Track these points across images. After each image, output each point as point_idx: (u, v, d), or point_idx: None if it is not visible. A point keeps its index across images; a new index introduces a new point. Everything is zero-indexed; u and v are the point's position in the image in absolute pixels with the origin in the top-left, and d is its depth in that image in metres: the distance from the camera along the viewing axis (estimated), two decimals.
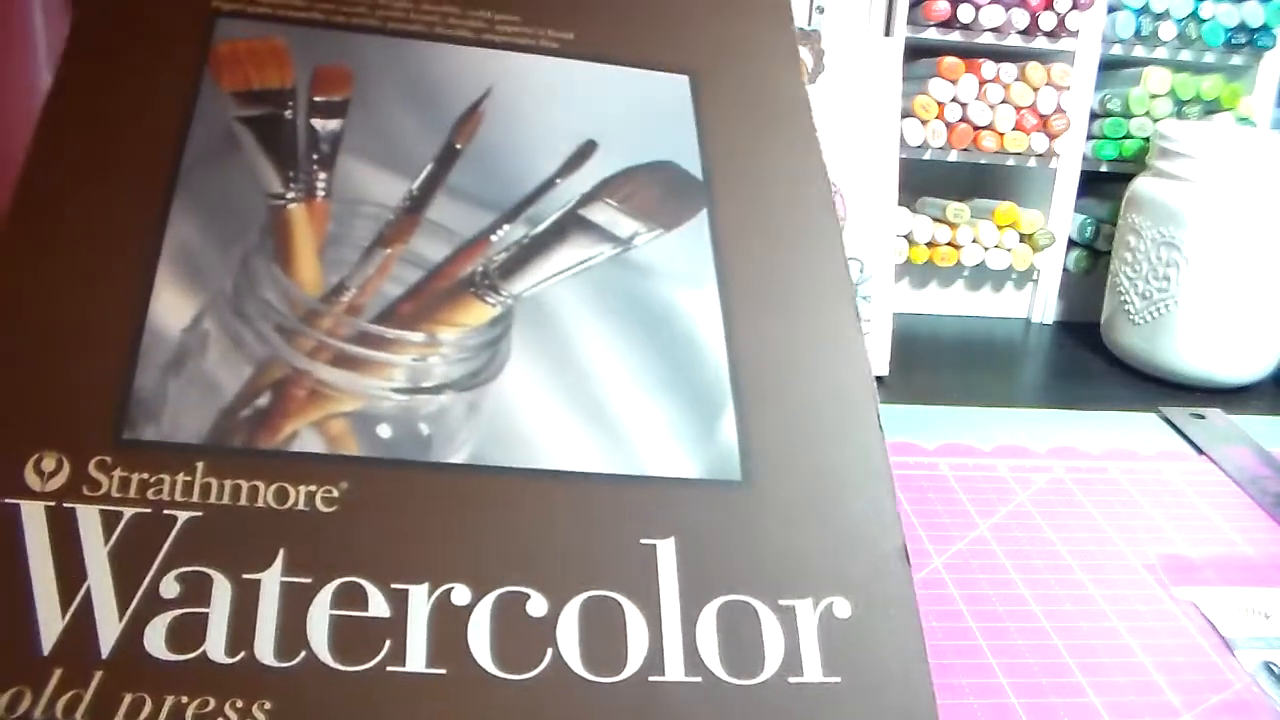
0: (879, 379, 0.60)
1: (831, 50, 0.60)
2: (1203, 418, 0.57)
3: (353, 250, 0.29)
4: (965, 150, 0.68)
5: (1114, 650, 0.37)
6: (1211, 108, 0.69)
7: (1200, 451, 0.53)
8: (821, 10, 0.67)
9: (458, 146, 0.31)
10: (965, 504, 0.47)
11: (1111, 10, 0.67)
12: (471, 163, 0.31)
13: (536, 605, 0.25)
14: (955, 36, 0.67)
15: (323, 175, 0.30)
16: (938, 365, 0.65)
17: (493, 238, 0.30)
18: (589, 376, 0.28)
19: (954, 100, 0.66)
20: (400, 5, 0.34)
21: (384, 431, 0.27)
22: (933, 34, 0.67)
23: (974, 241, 0.69)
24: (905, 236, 0.69)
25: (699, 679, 0.25)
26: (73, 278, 0.27)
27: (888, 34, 0.67)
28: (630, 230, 0.31)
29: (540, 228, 0.30)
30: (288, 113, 0.31)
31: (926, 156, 0.68)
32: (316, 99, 0.31)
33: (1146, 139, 0.68)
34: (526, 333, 0.29)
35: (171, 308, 0.27)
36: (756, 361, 0.29)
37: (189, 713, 0.22)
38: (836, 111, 0.60)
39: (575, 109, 0.33)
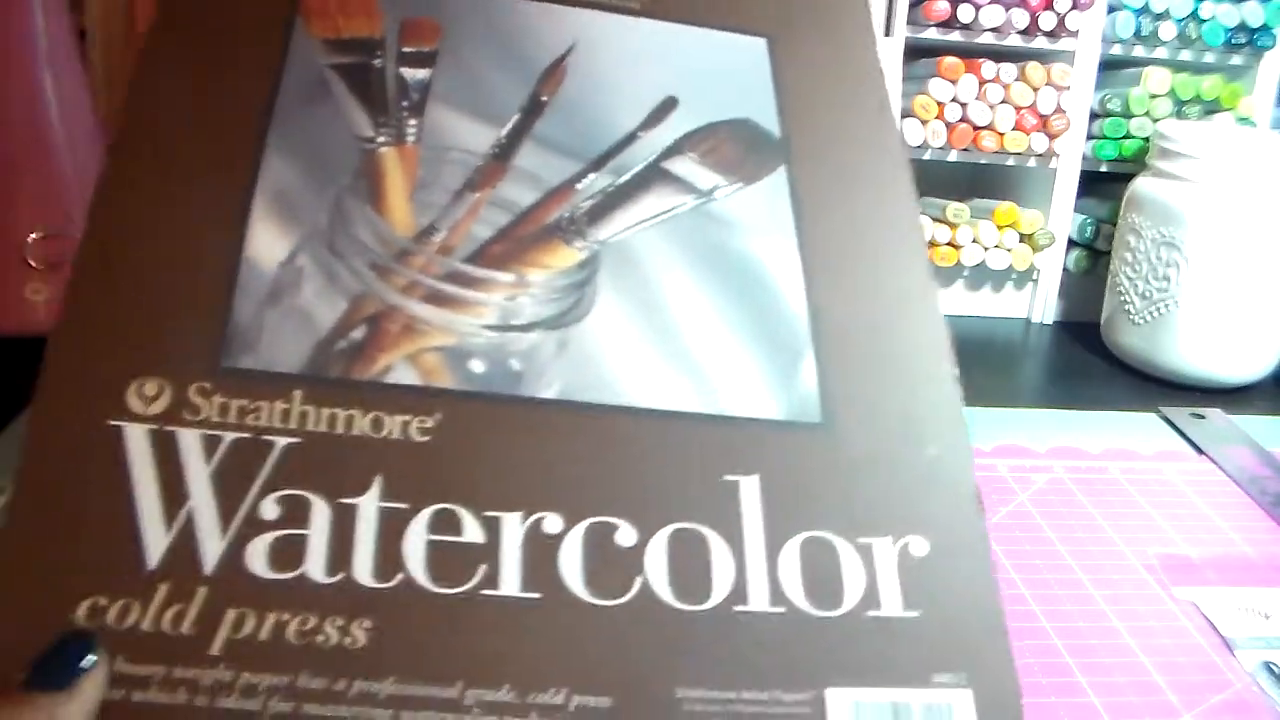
0: None
1: None
2: (1203, 418, 0.57)
3: (442, 194, 0.30)
4: (965, 150, 0.68)
5: (1114, 650, 0.37)
6: (1211, 108, 0.69)
7: (1200, 451, 0.53)
8: None
9: (543, 98, 0.32)
10: None
11: (1111, 10, 0.67)
12: (556, 114, 0.32)
13: (625, 535, 0.26)
14: (955, 36, 0.67)
15: (412, 121, 0.31)
16: None
17: (578, 185, 0.31)
18: (673, 320, 0.29)
19: (954, 100, 0.66)
20: None
21: (476, 366, 0.27)
22: (933, 34, 0.67)
23: (974, 241, 0.69)
24: None
25: (782, 609, 0.25)
26: (172, 211, 0.28)
27: (888, 34, 0.67)
28: (711, 183, 0.31)
29: (624, 177, 0.31)
30: (377, 61, 0.31)
31: (926, 156, 0.68)
32: (405, 49, 0.32)
33: (1146, 139, 0.69)
34: (613, 277, 0.29)
35: (267, 242, 0.28)
36: (835, 311, 0.30)
37: (291, 628, 0.23)
38: None
39: (656, 66, 0.34)
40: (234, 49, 0.30)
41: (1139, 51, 0.69)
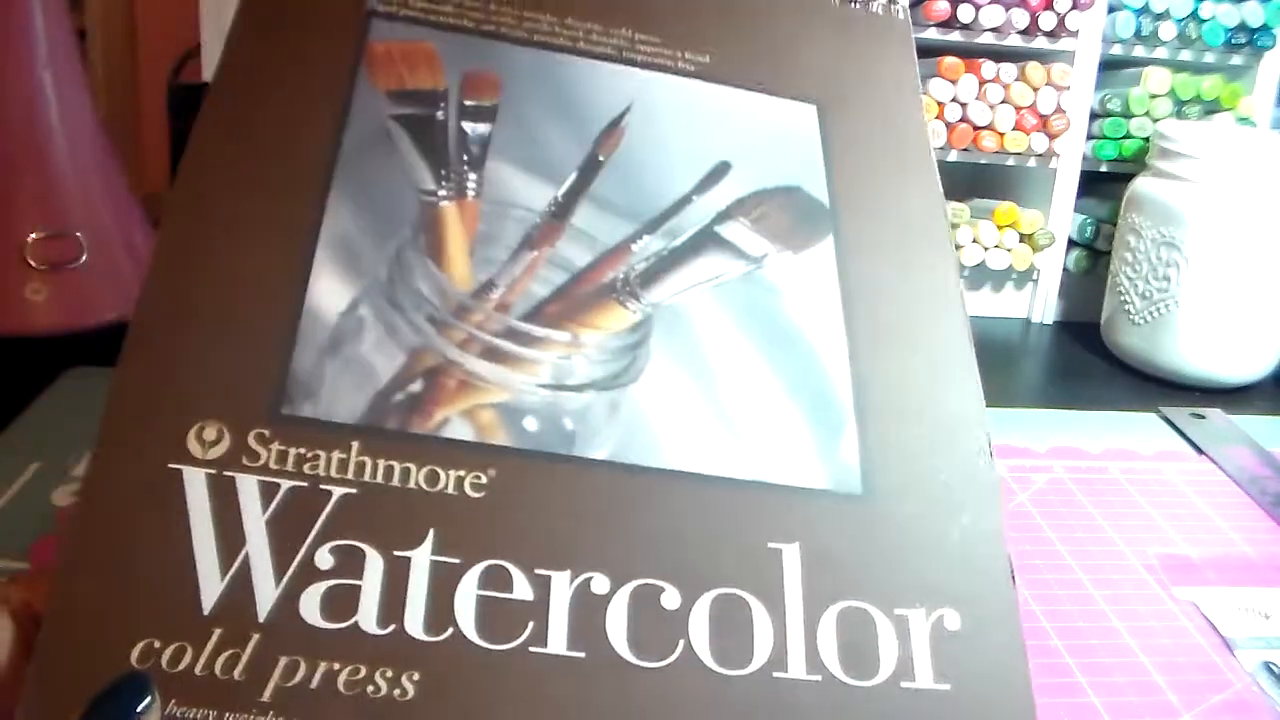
0: None
1: None
2: (1203, 418, 0.57)
3: (502, 250, 0.30)
4: (965, 150, 0.68)
5: (1114, 650, 0.37)
6: (1211, 108, 0.69)
7: (1200, 451, 0.53)
8: None
9: (600, 158, 0.32)
10: None
11: (1111, 10, 0.67)
12: (613, 174, 0.32)
13: (671, 598, 0.26)
14: (955, 36, 0.67)
15: (473, 176, 0.31)
16: None
17: (634, 247, 0.31)
18: (722, 386, 0.30)
19: (954, 100, 0.66)
20: (546, 19, 0.35)
21: (530, 424, 0.28)
22: (933, 34, 0.67)
23: (974, 241, 0.69)
24: None
25: (819, 677, 0.26)
26: (237, 257, 0.28)
27: None
28: (762, 250, 0.32)
29: (678, 241, 0.31)
30: (439, 114, 0.32)
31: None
32: (467, 102, 0.32)
33: (1146, 139, 0.69)
34: (664, 340, 0.30)
35: (329, 291, 0.28)
36: (876, 382, 0.31)
37: (341, 678, 0.23)
38: None
39: (710, 131, 0.34)
40: (299, 97, 0.31)
41: (1139, 51, 0.69)
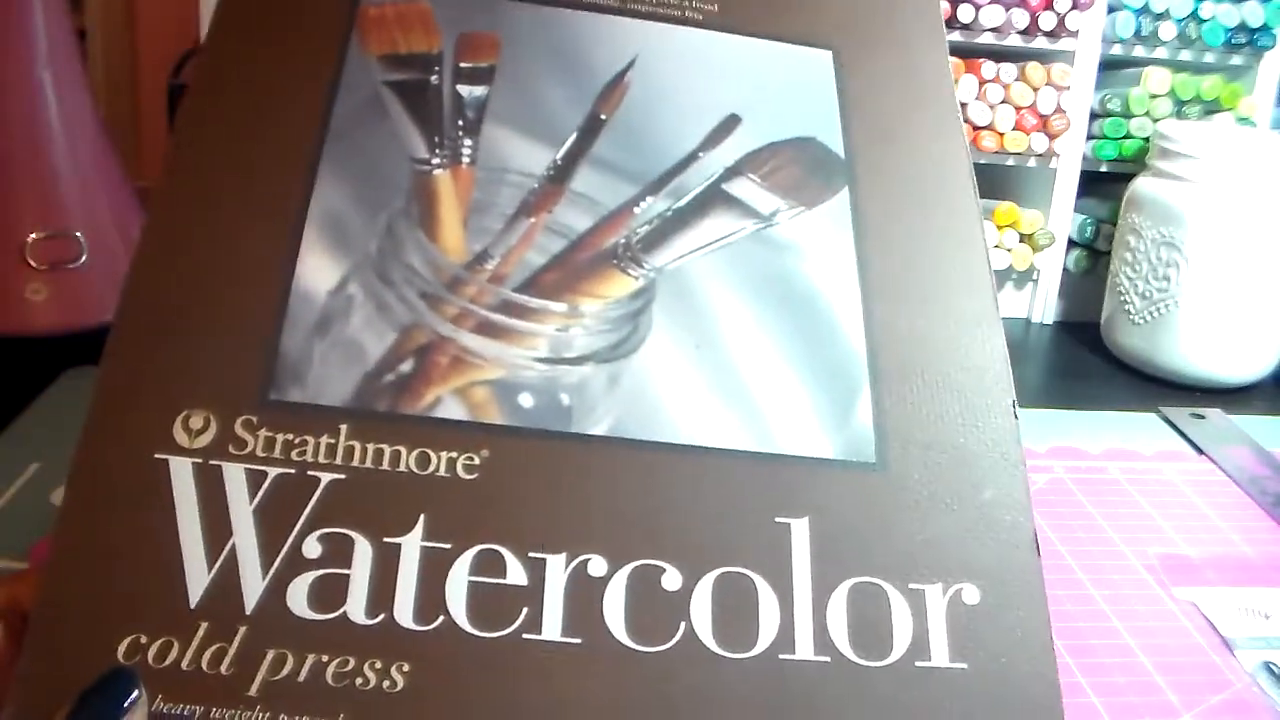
0: None
1: None
2: (1203, 418, 0.57)
3: (497, 218, 0.29)
4: None
5: (1114, 650, 0.37)
6: (1211, 108, 0.69)
7: (1200, 451, 0.53)
8: None
9: (602, 117, 0.31)
10: None
11: (1111, 10, 0.67)
12: (615, 133, 0.31)
13: (671, 579, 0.25)
14: (955, 36, 0.67)
15: (468, 142, 0.30)
16: None
17: (636, 210, 0.30)
18: (728, 353, 0.28)
19: None
20: None
21: (525, 401, 0.27)
22: None
23: None
24: None
25: (828, 658, 0.25)
26: (223, 241, 0.27)
27: None
28: (772, 207, 0.31)
29: (683, 201, 0.30)
30: (434, 78, 0.31)
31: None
32: (462, 65, 0.31)
33: (1146, 139, 0.68)
34: (668, 307, 0.29)
35: (317, 270, 0.27)
36: (894, 345, 0.29)
37: (329, 671, 0.23)
38: None
39: (718, 82, 0.33)
40: (287, 71, 0.30)
41: (1139, 51, 0.69)
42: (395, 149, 0.29)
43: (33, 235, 0.52)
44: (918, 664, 0.25)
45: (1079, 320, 0.72)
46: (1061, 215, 0.71)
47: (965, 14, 0.66)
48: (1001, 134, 0.67)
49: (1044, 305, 0.73)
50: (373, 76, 0.30)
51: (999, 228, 0.69)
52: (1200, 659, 0.37)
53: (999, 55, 0.67)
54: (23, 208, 0.53)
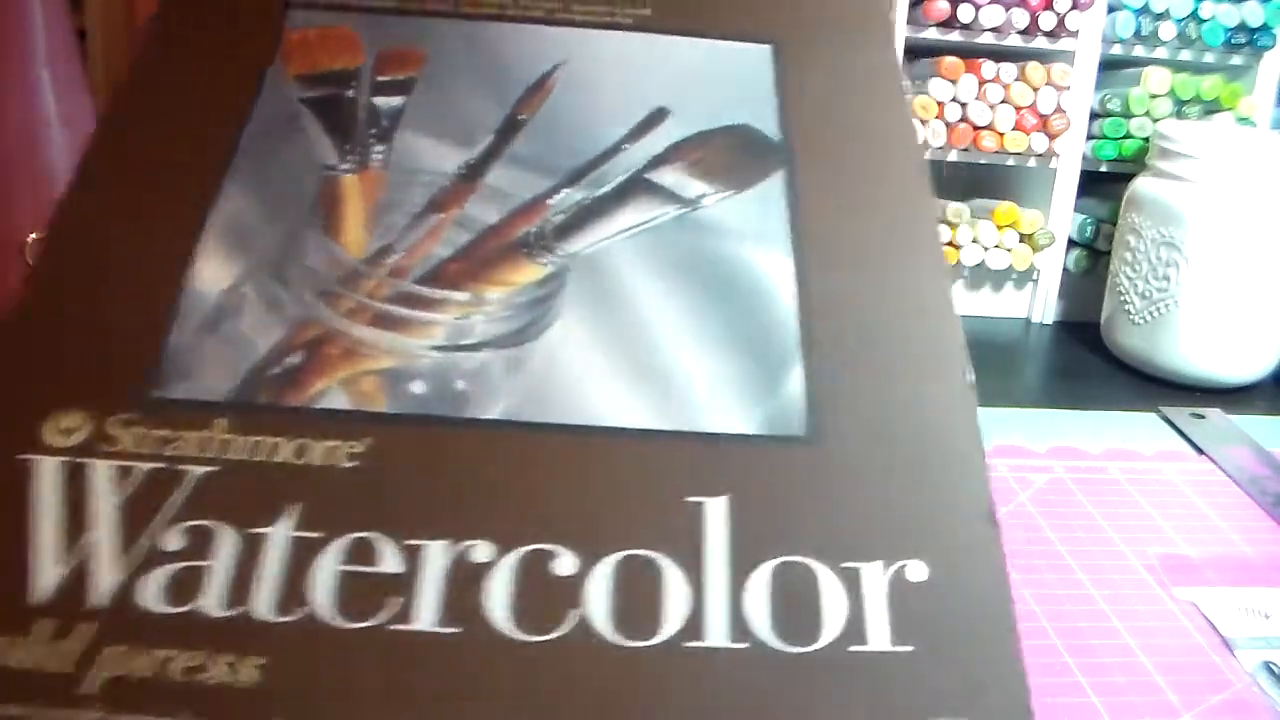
0: None
1: None
2: (1203, 418, 0.57)
3: (404, 216, 0.29)
4: (965, 150, 0.68)
5: (1114, 650, 0.37)
6: (1211, 108, 0.69)
7: (1200, 451, 0.53)
8: None
9: (521, 118, 0.31)
10: None
11: (1111, 10, 0.67)
12: (535, 132, 0.31)
13: (564, 564, 0.24)
14: (955, 36, 0.67)
15: (380, 148, 0.30)
16: None
17: (551, 201, 0.29)
18: (643, 331, 0.27)
19: (954, 100, 0.66)
20: None
21: (417, 388, 0.26)
22: (933, 34, 0.67)
23: (974, 241, 0.69)
24: None
25: (744, 645, 0.23)
26: (118, 247, 0.27)
27: None
28: (698, 191, 0.30)
29: (602, 190, 0.30)
30: (350, 92, 0.31)
31: (926, 156, 0.68)
32: (381, 78, 0.31)
33: (1146, 139, 0.68)
34: (580, 290, 0.28)
35: (213, 272, 0.27)
36: (832, 316, 0.28)
37: (175, 666, 0.22)
38: None
39: (648, 79, 0.32)
40: (209, 89, 0.30)
41: (1139, 51, 0.69)
42: (305, 160, 0.30)
43: (33, 235, 0.52)
44: (851, 649, 0.23)
45: (1079, 320, 0.72)
46: (1061, 215, 0.70)
47: (965, 14, 0.66)
48: (1001, 134, 0.67)
49: (1044, 305, 0.73)
50: (291, 95, 0.31)
51: (999, 228, 0.69)
52: (1200, 659, 0.37)
53: (999, 55, 0.67)
54: (22, 208, 0.53)
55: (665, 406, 0.26)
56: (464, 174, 0.30)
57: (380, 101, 0.31)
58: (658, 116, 0.31)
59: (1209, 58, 0.69)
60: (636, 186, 0.30)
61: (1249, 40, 0.68)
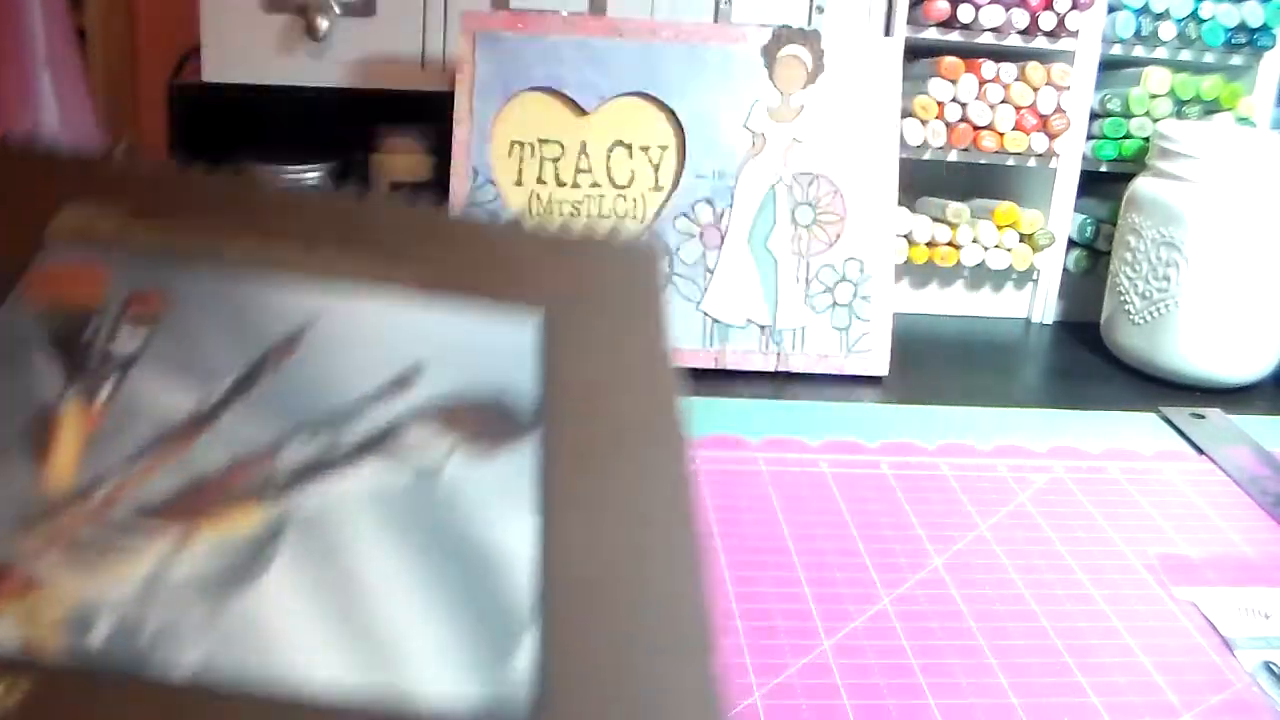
0: (878, 379, 0.60)
1: (831, 50, 0.60)
2: (1203, 418, 0.57)
3: (121, 453, 0.27)
4: (965, 150, 0.68)
5: (1114, 650, 0.37)
6: (1211, 108, 0.69)
7: (1200, 451, 0.53)
8: (821, 10, 0.67)
9: (266, 366, 0.30)
10: (965, 504, 0.47)
11: (1111, 10, 0.67)
12: (279, 382, 0.30)
13: None
14: (955, 36, 0.67)
15: (109, 385, 0.29)
16: (938, 365, 0.65)
17: (282, 450, 0.28)
18: (361, 592, 0.26)
19: (954, 100, 0.66)
20: (244, 243, 0.34)
21: (100, 631, 0.24)
22: (933, 34, 0.67)
23: (974, 241, 0.69)
24: (905, 236, 0.69)
25: None
26: None
27: (888, 34, 0.67)
28: (440, 451, 0.29)
29: (338, 443, 0.29)
30: (89, 330, 0.30)
31: (926, 156, 0.68)
32: (124, 316, 0.31)
33: (1146, 139, 0.68)
34: (299, 543, 0.27)
35: None
36: (571, 584, 0.27)
37: None
38: (837, 111, 0.60)
39: (407, 339, 0.32)
40: None
41: (1139, 51, 0.69)
42: (27, 389, 0.28)
43: None
44: None
45: (1079, 320, 0.72)
46: (1061, 215, 0.71)
47: (965, 14, 0.66)
48: (1001, 134, 0.67)
49: (1044, 305, 0.73)
50: (25, 325, 0.30)
51: (999, 228, 0.69)
52: (1200, 659, 0.37)
53: (999, 55, 0.67)
54: None
55: (371, 674, 0.25)
56: (195, 417, 0.29)
57: (120, 338, 0.30)
58: (410, 376, 0.31)
59: (1209, 58, 0.69)
60: (375, 443, 0.29)
61: (1249, 40, 0.68)
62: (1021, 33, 0.67)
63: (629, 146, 0.60)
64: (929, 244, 0.69)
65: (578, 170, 0.59)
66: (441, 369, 0.31)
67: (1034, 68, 0.67)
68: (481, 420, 0.30)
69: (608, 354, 0.33)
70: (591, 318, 0.34)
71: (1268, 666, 0.36)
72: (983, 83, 0.66)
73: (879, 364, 0.61)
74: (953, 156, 0.68)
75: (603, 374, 0.32)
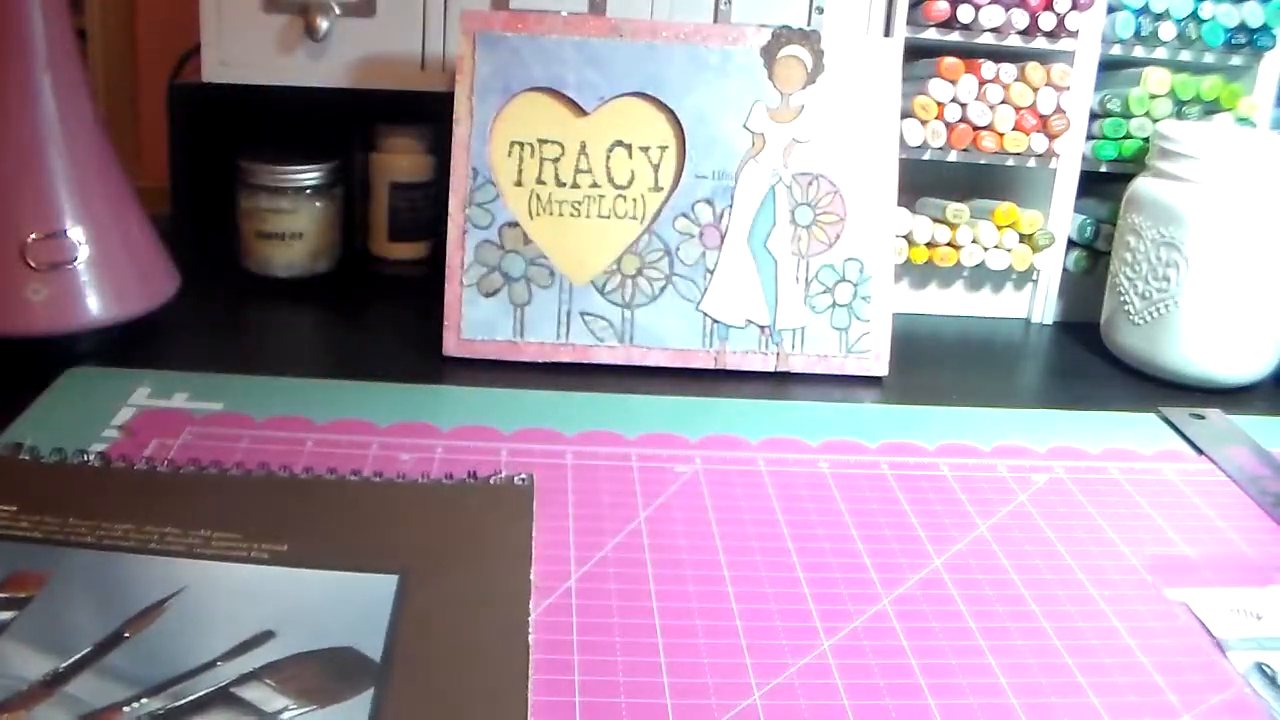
0: (878, 379, 0.60)
1: (831, 50, 0.60)
2: (1203, 418, 0.57)
3: None
4: (965, 150, 0.68)
5: (1113, 650, 0.37)
6: (1211, 108, 0.69)
7: (1200, 451, 0.53)
8: (821, 10, 0.67)
9: (126, 635, 0.32)
10: (965, 504, 0.47)
11: (1111, 10, 0.67)
12: (135, 648, 0.32)
13: None
14: (955, 36, 0.67)
15: None
16: (938, 365, 0.65)
17: (125, 709, 0.30)
18: None
19: (954, 100, 0.66)
20: (122, 526, 0.37)
21: None
22: (933, 34, 0.67)
23: (974, 242, 0.69)
24: (905, 236, 0.69)
25: None
26: None
27: (888, 34, 0.67)
28: (279, 706, 0.30)
29: (181, 700, 0.30)
30: None
31: (926, 156, 0.68)
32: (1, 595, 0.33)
33: (1146, 139, 0.68)
34: None
35: None
36: None
37: None
38: (836, 111, 0.60)
39: (264, 606, 0.34)
40: None
41: (1139, 51, 0.69)
42: None
43: (32, 235, 0.52)
44: None
45: (1079, 320, 0.72)
46: (1061, 215, 0.70)
47: (965, 14, 0.66)
48: (1001, 134, 0.67)
49: (1044, 305, 0.73)
50: None
51: (999, 228, 0.69)
52: (1193, 659, 0.37)
53: (999, 55, 0.67)
54: (22, 208, 0.53)
55: None
56: (46, 680, 0.30)
57: None
58: (262, 638, 0.33)
59: (1209, 58, 0.69)
60: (216, 699, 0.30)
61: (1249, 40, 0.68)
62: (1021, 33, 0.67)
63: (629, 146, 0.60)
64: (929, 244, 0.69)
65: (577, 170, 0.60)
66: (296, 632, 0.33)
67: (1034, 68, 0.67)
68: (321, 677, 0.32)
69: (462, 606, 0.35)
70: (450, 570, 0.37)
71: (1260, 668, 0.36)
72: (983, 83, 0.66)
73: (879, 364, 0.61)
74: (953, 156, 0.68)
75: (453, 627, 0.34)
